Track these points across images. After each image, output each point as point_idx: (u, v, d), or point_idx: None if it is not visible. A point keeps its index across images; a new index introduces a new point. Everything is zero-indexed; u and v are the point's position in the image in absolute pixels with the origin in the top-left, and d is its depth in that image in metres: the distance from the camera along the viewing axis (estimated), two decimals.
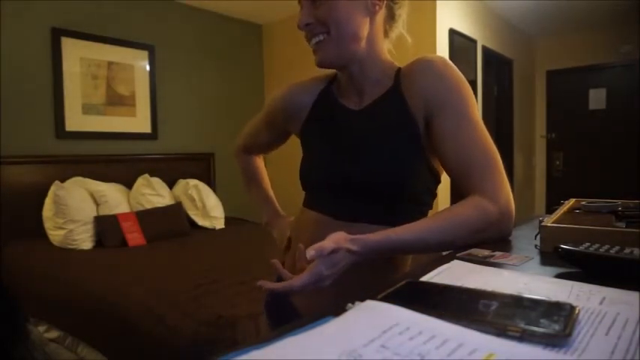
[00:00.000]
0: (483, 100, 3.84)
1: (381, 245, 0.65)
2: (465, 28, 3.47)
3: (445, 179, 0.80)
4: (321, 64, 0.81)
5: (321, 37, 0.78)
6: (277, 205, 1.11)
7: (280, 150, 1.13)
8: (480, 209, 0.68)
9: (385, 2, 0.81)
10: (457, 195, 0.75)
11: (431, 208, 0.85)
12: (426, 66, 0.77)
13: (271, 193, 1.13)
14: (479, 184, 0.70)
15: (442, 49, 3.20)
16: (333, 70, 0.90)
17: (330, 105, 0.89)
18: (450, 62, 0.78)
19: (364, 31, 0.79)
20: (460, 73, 0.77)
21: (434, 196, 0.84)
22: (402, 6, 0.84)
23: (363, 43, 0.79)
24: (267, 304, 0.97)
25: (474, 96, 0.76)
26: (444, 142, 0.74)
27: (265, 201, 1.11)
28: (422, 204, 0.81)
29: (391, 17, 0.84)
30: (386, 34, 0.85)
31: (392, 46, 0.88)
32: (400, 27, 0.87)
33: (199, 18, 3.73)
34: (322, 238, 0.70)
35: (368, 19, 0.79)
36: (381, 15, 0.81)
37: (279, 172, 2.81)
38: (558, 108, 4.82)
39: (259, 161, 1.16)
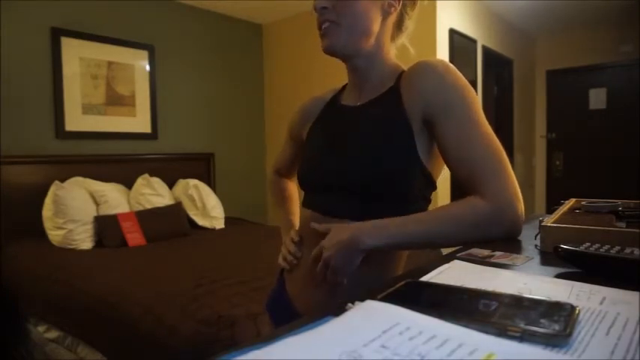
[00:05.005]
0: (483, 100, 3.84)
1: (376, 224, 0.71)
2: (465, 28, 3.47)
3: (444, 181, 0.80)
4: (327, 50, 0.81)
5: (331, 25, 0.79)
6: (297, 224, 1.11)
7: None
8: (468, 204, 0.69)
9: (399, 9, 0.83)
10: (458, 197, 0.74)
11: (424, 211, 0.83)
12: (425, 69, 0.77)
13: (293, 215, 1.11)
14: (479, 184, 0.69)
15: (442, 49, 3.20)
16: (346, 82, 0.92)
17: (333, 108, 0.92)
18: (452, 65, 0.77)
19: (375, 28, 0.81)
20: (461, 76, 0.76)
21: (427, 200, 0.83)
22: (411, 17, 0.87)
23: (372, 40, 0.82)
24: (269, 304, 0.98)
25: (477, 97, 0.75)
26: (448, 146, 0.73)
27: (286, 222, 1.10)
28: (411, 205, 0.78)
29: (399, 26, 0.87)
30: (392, 39, 0.87)
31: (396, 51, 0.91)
32: (404, 38, 0.89)
33: (199, 18, 3.73)
34: (313, 233, 0.78)
35: (381, 19, 0.82)
36: (392, 19, 0.84)
37: None
38: (558, 108, 4.81)
39: (289, 184, 1.16)
